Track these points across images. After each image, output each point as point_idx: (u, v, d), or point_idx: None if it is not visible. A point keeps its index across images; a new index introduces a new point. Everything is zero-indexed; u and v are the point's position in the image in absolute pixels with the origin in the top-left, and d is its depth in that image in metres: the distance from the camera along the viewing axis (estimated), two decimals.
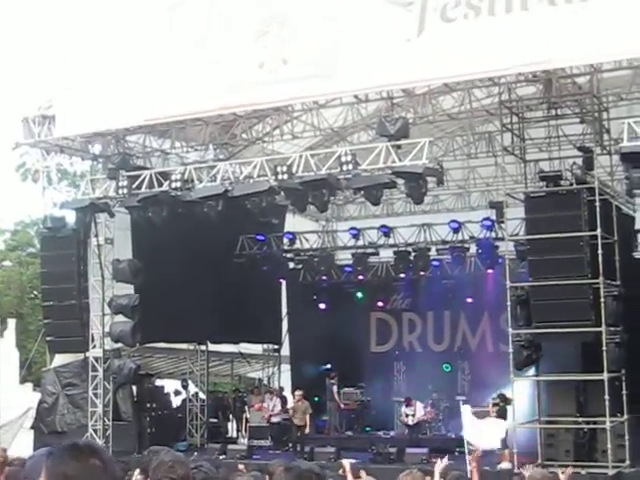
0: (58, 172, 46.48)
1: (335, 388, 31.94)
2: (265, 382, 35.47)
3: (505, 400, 23.99)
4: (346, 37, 21.11)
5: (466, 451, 20.58)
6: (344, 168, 22.05)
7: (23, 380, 41.81)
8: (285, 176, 22.59)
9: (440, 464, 12.24)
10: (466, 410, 21.81)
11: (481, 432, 20.97)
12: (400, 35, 20.44)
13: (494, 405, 23.45)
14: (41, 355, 34.56)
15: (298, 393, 27.87)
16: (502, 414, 23.69)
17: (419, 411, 28.89)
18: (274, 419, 30.37)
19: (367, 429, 32.04)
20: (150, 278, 26.65)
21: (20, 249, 59.93)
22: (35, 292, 53.59)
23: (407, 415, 29.01)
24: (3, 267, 59.93)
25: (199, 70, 22.71)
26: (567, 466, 16.71)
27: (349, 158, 21.89)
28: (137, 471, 12.70)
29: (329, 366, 32.92)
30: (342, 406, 32.16)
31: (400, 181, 22.74)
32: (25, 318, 53.09)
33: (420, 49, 20.29)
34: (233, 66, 22.26)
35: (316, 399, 31.34)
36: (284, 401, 33.95)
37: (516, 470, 21.45)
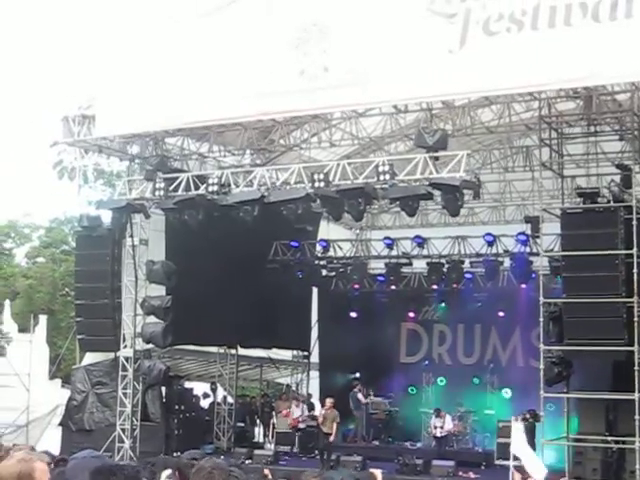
0: (94, 171, 46.82)
1: (360, 395, 31.86)
2: (293, 388, 35.48)
3: (535, 417, 23.88)
4: (387, 47, 21.08)
5: (511, 465, 20.44)
6: (381, 178, 22.03)
7: (52, 376, 41.96)
8: (322, 184, 22.61)
9: None
10: (518, 427, 21.48)
11: (531, 459, 20.73)
12: (442, 47, 20.40)
13: (523, 420, 23.32)
14: (71, 352, 34.72)
15: (329, 401, 27.78)
16: (531, 430, 23.58)
17: (448, 423, 28.84)
18: (300, 425, 30.40)
19: (389, 439, 31.95)
20: (183, 280, 26.74)
21: (54, 246, 60.31)
22: (67, 289, 53.96)
23: (436, 427, 28.95)
24: (36, 263, 60.35)
25: (239, 75, 22.75)
26: None
27: (386, 168, 21.88)
28: (167, 472, 12.74)
29: (357, 375, 32.83)
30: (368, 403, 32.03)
31: (436, 193, 22.70)
32: (56, 315, 53.43)
33: (462, 61, 20.24)
34: (273, 72, 22.28)
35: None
36: (311, 408, 34.00)
37: None
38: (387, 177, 21.92)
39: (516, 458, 19.74)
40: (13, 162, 68.80)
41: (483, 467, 27.07)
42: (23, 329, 42.24)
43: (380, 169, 21.99)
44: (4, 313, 44.16)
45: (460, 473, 25.09)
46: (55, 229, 61.91)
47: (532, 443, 23.58)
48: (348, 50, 21.44)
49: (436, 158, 21.90)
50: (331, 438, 27.13)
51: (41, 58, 74.76)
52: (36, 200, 65.23)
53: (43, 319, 43.05)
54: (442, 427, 28.81)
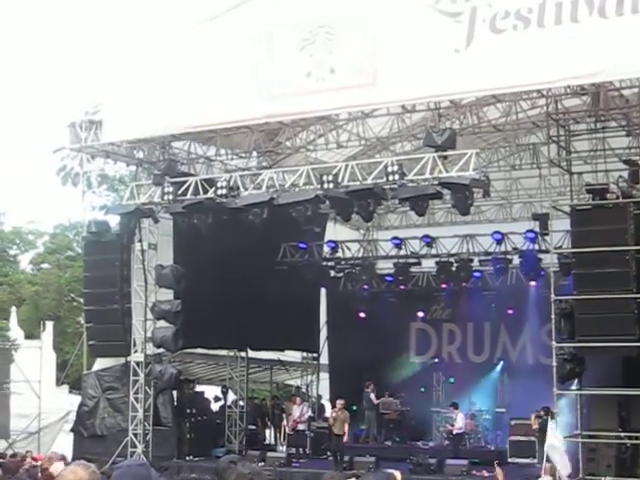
0: (98, 176, 46.90)
1: (373, 396, 31.84)
2: (304, 390, 35.47)
3: (549, 413, 23.87)
4: (393, 47, 21.10)
5: (544, 461, 20.51)
6: (390, 178, 22.03)
7: (60, 382, 41.99)
8: (331, 185, 22.62)
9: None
10: (551, 427, 21.48)
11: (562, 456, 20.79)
12: (448, 46, 20.41)
13: (537, 417, 23.33)
14: (78, 358, 34.71)
15: (340, 402, 27.76)
16: (543, 427, 23.58)
17: (459, 421, 28.74)
18: (300, 427, 30.28)
19: (401, 439, 31.92)
20: (192, 284, 26.76)
21: (59, 252, 60.33)
22: (73, 295, 54.03)
23: (453, 424, 28.95)
24: (42, 270, 60.37)
25: (245, 78, 22.77)
26: None
27: (395, 168, 21.89)
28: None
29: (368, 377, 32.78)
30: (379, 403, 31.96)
31: (446, 192, 22.69)
32: (62, 321, 53.45)
33: (469, 60, 20.25)
34: (280, 74, 22.30)
35: (354, 408, 31.25)
36: (321, 409, 34.00)
37: None
38: (396, 177, 21.92)
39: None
40: (16, 168, 68.80)
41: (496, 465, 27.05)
42: (29, 335, 42.35)
43: (389, 169, 22.00)
44: (10, 320, 44.25)
45: (474, 472, 25.07)
46: (59, 235, 61.93)
47: (545, 440, 23.66)
48: (354, 51, 21.45)
49: (445, 157, 21.91)
50: (343, 439, 27.14)
51: (46, 64, 74.84)
52: (40, 206, 65.35)
53: (50, 325, 43.09)
54: (453, 425, 28.81)
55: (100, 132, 25.59)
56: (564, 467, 19.83)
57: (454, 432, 28.67)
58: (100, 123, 25.51)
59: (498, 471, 12.73)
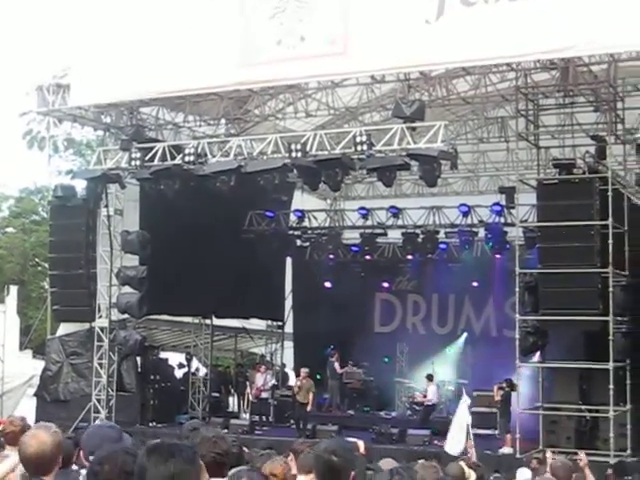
0: (65, 141, 46.54)
1: (337, 365, 31.88)
2: (268, 358, 35.53)
3: (511, 386, 24.08)
4: (364, 17, 21.09)
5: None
6: (358, 148, 22.02)
7: (23, 347, 41.78)
8: (299, 154, 22.58)
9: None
10: (464, 404, 21.54)
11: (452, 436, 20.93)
12: (419, 17, 20.45)
13: (499, 389, 23.53)
14: (42, 323, 34.54)
15: (304, 371, 27.84)
16: (506, 399, 23.80)
17: (430, 393, 28.56)
18: (264, 395, 30.30)
19: (365, 409, 32.06)
20: (158, 250, 26.70)
21: (24, 216, 59.85)
22: (37, 259, 53.67)
23: (425, 395, 28.95)
24: (7, 234, 59.91)
25: (216, 45, 22.66)
26: (568, 453, 16.77)
27: (364, 138, 21.88)
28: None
29: (332, 346, 32.82)
30: (344, 374, 31.97)
31: (413, 163, 22.73)
32: (27, 285, 53.11)
33: (439, 32, 20.29)
34: (250, 42, 22.21)
35: (318, 377, 31.35)
36: (285, 378, 34.07)
37: (518, 455, 21.62)
38: (364, 147, 21.91)
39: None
40: None
41: None
42: None
43: (357, 139, 21.98)
44: None
45: (435, 442, 25.21)
46: (25, 199, 61.35)
47: (508, 412, 23.86)
48: (325, 20, 21.42)
49: (413, 129, 21.92)
50: (307, 408, 27.24)
51: (12, 26, 73.93)
52: (5, 170, 64.77)
53: (14, 290, 42.80)
54: (425, 396, 28.80)
55: (68, 96, 25.39)
56: (457, 443, 19.99)
57: (425, 404, 28.61)
58: (68, 87, 25.31)
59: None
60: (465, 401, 21.05)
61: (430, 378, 28.84)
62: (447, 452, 19.92)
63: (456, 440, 20.02)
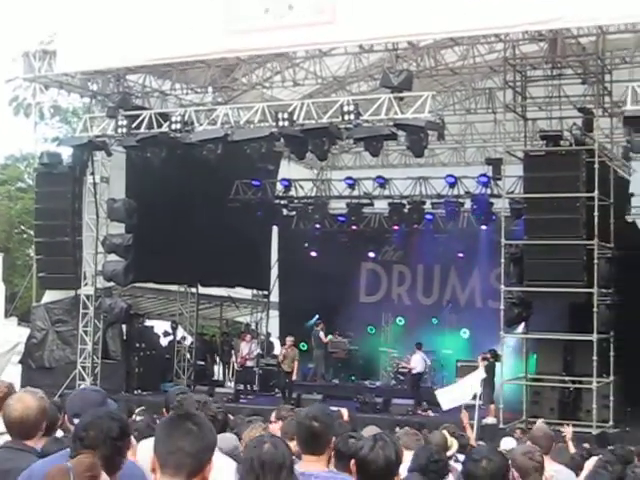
0: (51, 108, 46.32)
1: (322, 334, 31.86)
2: (253, 327, 35.56)
3: (495, 356, 24.17)
4: None
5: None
6: (345, 118, 21.96)
7: (8, 314, 41.76)
8: (286, 123, 22.51)
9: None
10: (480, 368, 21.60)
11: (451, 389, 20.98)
12: None
13: (483, 359, 23.64)
14: (27, 290, 34.48)
15: (289, 339, 27.92)
16: (490, 369, 23.89)
17: (414, 361, 28.33)
18: (249, 363, 30.30)
19: (352, 378, 32.13)
20: (144, 218, 26.66)
21: (9, 183, 59.62)
22: (23, 227, 53.52)
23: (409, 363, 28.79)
24: None
25: (203, 12, 22.54)
26: (551, 424, 16.81)
27: (351, 108, 21.82)
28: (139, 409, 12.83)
29: (317, 317, 32.82)
30: (329, 344, 31.89)
31: (401, 133, 22.71)
32: (12, 252, 52.99)
33: (428, 2, 20.27)
34: (238, 10, 22.10)
35: (303, 346, 31.42)
36: (270, 347, 34.13)
37: (501, 425, 21.77)
38: (352, 117, 21.85)
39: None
40: None
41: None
42: None
43: (345, 109, 21.92)
44: None
45: (419, 411, 25.34)
46: (10, 166, 61.10)
47: (492, 382, 23.95)
48: None
49: (401, 99, 21.88)
50: (293, 377, 27.32)
51: None
52: None
53: None
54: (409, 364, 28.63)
55: (54, 62, 25.24)
56: (450, 401, 20.05)
57: (413, 372, 28.30)
58: (54, 53, 25.16)
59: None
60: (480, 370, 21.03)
61: (419, 347, 28.79)
62: (438, 400, 20.11)
63: (451, 397, 20.03)
